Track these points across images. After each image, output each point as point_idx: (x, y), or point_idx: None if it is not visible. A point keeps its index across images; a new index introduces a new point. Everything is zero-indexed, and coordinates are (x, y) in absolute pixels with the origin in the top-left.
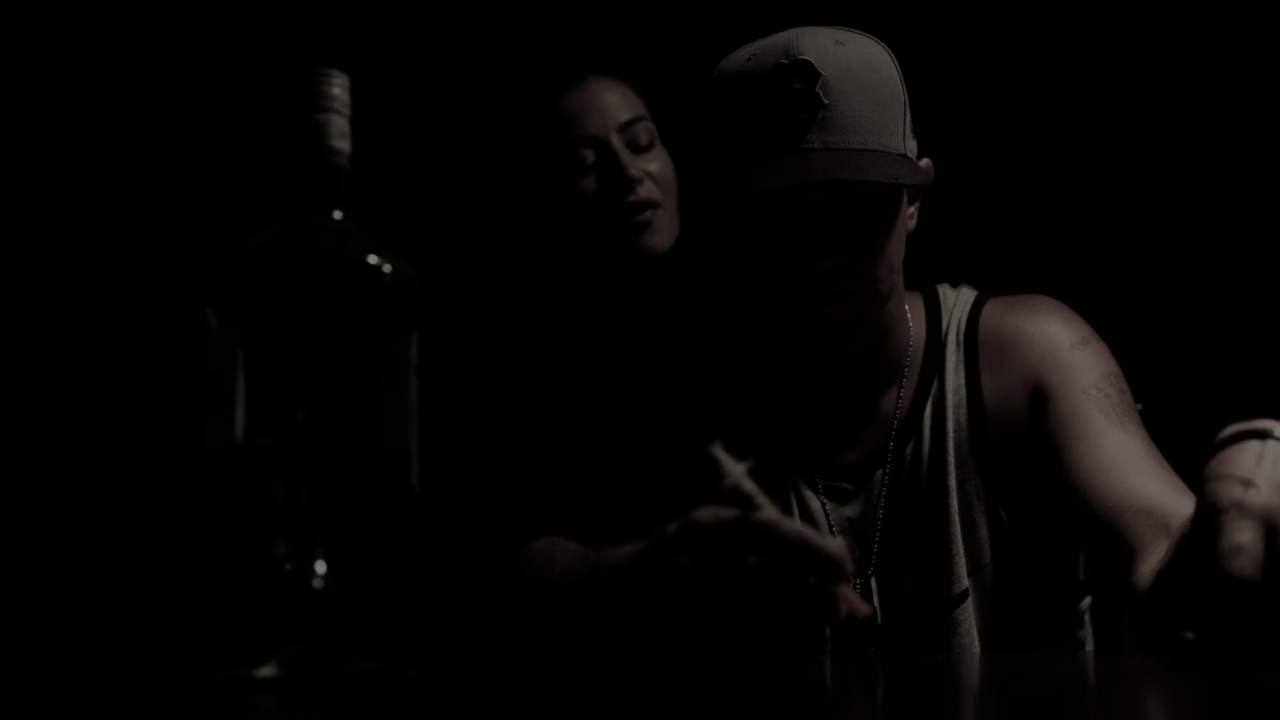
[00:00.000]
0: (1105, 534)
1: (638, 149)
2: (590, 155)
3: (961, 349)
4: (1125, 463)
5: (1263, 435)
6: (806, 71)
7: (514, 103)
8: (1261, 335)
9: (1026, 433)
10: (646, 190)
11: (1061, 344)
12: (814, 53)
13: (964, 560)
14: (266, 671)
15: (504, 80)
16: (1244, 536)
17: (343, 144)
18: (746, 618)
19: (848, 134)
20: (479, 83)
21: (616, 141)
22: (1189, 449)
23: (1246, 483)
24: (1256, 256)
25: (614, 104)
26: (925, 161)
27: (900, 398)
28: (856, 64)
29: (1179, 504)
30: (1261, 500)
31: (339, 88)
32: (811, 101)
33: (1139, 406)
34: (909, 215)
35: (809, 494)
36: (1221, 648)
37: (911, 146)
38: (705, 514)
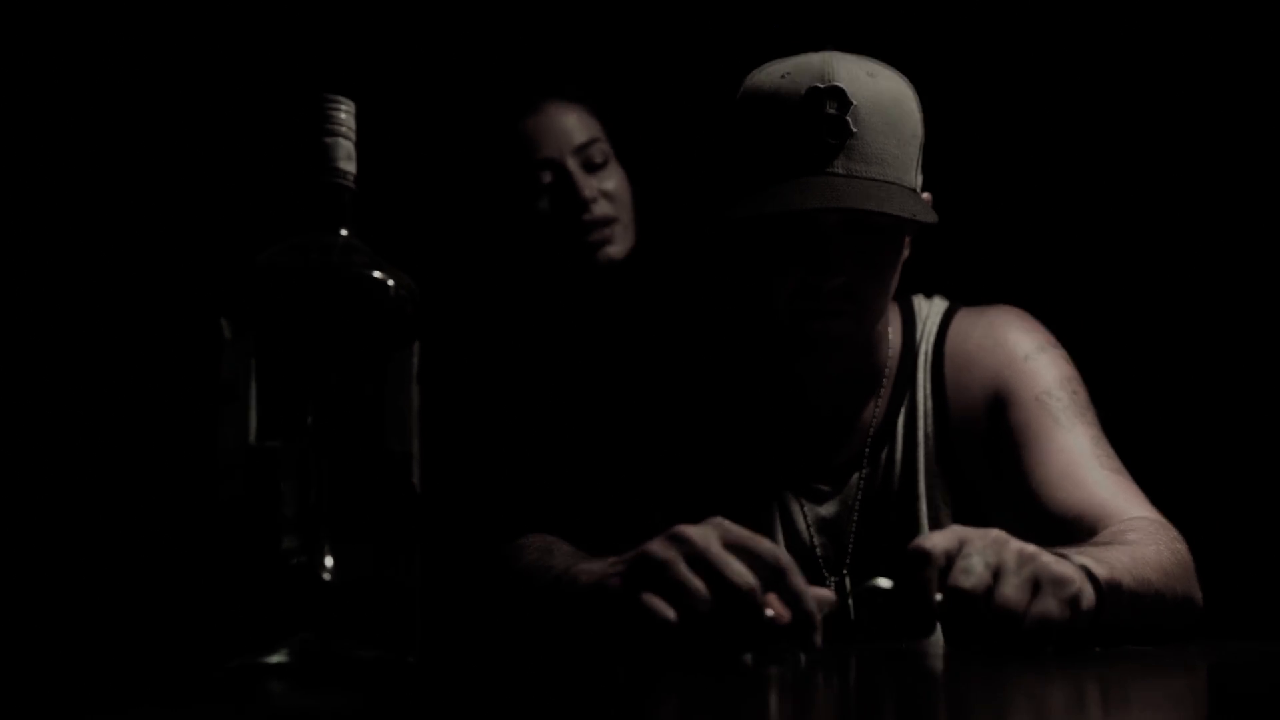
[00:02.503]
0: (1054, 538)
1: (592, 168)
2: (548, 176)
3: (930, 361)
4: (1073, 468)
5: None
6: (840, 98)
7: (480, 129)
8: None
9: (986, 442)
10: (600, 208)
11: (1018, 354)
12: (847, 80)
13: None
14: (278, 658)
15: (471, 107)
16: (971, 560)
17: (349, 166)
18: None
19: (870, 164)
20: (452, 107)
21: (572, 164)
22: (1155, 454)
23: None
24: (1238, 264)
25: (570, 127)
26: (926, 196)
27: (878, 406)
28: (885, 97)
29: (1119, 506)
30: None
31: (345, 113)
32: (841, 128)
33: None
34: (906, 244)
35: (788, 495)
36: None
37: (919, 181)
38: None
